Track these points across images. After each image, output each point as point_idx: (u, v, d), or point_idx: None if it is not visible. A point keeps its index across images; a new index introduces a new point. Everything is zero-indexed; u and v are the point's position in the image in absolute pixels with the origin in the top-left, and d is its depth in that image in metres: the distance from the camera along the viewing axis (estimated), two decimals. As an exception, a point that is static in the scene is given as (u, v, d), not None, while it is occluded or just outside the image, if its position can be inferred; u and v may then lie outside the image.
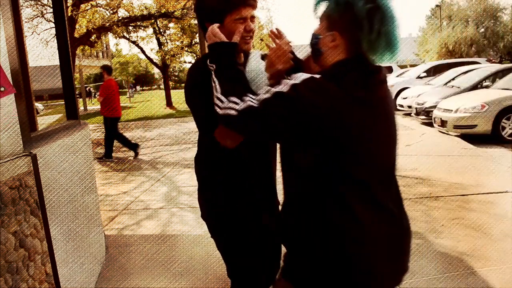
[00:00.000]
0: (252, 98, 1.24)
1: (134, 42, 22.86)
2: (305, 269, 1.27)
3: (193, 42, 23.10)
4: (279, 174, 1.49)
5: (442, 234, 3.59)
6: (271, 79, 1.42)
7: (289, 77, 1.24)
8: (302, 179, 1.27)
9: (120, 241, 3.86)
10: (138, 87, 54.19)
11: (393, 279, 1.32)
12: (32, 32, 9.71)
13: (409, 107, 11.47)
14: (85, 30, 14.40)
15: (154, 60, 24.45)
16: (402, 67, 24.90)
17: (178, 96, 24.11)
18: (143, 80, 58.97)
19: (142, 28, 20.90)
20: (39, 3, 9.90)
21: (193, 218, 4.24)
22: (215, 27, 1.43)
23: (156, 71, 53.21)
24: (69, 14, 12.14)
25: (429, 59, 33.02)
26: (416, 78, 14.46)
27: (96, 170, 6.34)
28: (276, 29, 1.60)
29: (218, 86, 1.33)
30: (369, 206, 1.24)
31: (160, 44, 23.38)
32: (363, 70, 1.23)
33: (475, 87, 9.89)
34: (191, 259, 3.29)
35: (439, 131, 8.76)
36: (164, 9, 15.00)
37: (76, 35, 13.88)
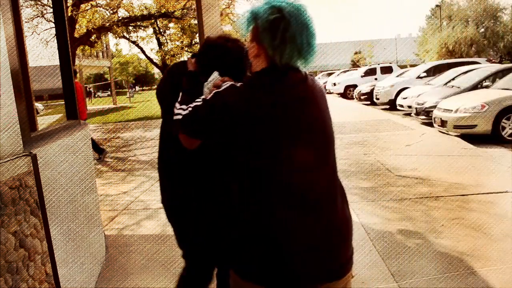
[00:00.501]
0: (191, 106, 1.45)
1: (134, 42, 22.86)
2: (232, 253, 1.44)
3: (193, 42, 23.09)
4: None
5: (442, 234, 3.59)
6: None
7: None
8: (228, 176, 1.46)
9: (120, 241, 3.86)
10: (138, 87, 54.16)
11: (324, 272, 1.39)
12: (32, 32, 9.70)
13: (409, 107, 11.46)
14: (85, 30, 14.40)
15: (154, 60, 24.45)
16: (402, 67, 24.93)
17: (178, 96, 24.04)
18: (143, 80, 58.99)
19: (142, 28, 20.91)
20: (39, 3, 9.91)
21: (193, 218, 4.23)
22: (191, 59, 1.84)
23: (156, 71, 53.23)
24: (69, 14, 12.15)
25: (429, 59, 33.04)
26: (416, 78, 14.45)
27: (96, 170, 6.34)
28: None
29: (179, 99, 1.59)
30: (288, 202, 1.35)
31: (160, 44, 23.38)
32: (274, 76, 1.37)
33: (475, 87, 9.89)
34: (191, 259, 3.29)
35: (439, 131, 8.76)
36: (164, 9, 15.01)
37: (76, 35, 13.88)
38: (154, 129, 13.25)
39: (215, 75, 1.65)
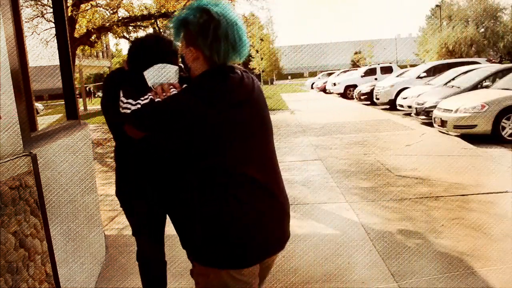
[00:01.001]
0: (139, 103, 1.54)
1: (134, 42, 22.82)
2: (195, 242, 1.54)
3: (193, 42, 23.04)
4: None
5: (442, 234, 3.59)
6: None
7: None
8: (187, 172, 1.54)
9: (120, 241, 3.86)
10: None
11: (277, 245, 1.59)
12: (32, 32, 9.70)
13: (409, 107, 11.46)
14: (85, 30, 14.39)
15: (154, 60, 24.38)
16: (402, 67, 24.94)
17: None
18: (143, 80, 58.84)
19: (142, 28, 20.85)
20: (39, 3, 9.90)
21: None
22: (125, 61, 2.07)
23: (156, 71, 53.11)
24: (69, 14, 12.14)
25: (429, 59, 33.05)
26: (416, 78, 14.45)
27: (96, 170, 6.32)
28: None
29: (122, 93, 1.66)
30: (245, 187, 1.49)
31: (160, 44, 23.31)
32: (217, 79, 1.47)
33: (475, 87, 9.88)
34: (191, 259, 3.29)
35: (439, 131, 8.76)
36: (164, 9, 15.00)
37: (76, 35, 13.87)
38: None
39: (160, 66, 1.73)
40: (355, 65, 52.97)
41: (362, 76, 21.78)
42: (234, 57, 1.49)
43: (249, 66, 50.92)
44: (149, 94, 1.58)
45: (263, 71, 50.11)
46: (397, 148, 7.42)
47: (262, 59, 48.55)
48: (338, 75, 27.27)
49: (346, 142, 8.24)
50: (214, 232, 1.48)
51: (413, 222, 3.90)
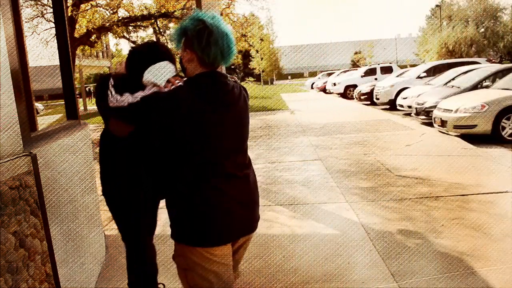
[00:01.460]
0: (136, 97, 1.71)
1: (134, 42, 22.81)
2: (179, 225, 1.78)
3: (193, 42, 23.05)
4: None
5: (442, 234, 3.59)
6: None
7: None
8: (169, 164, 1.75)
9: (120, 241, 3.84)
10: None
11: (246, 226, 1.83)
12: (32, 32, 9.70)
13: (409, 107, 11.46)
14: (85, 30, 14.39)
15: (154, 60, 24.39)
16: (402, 67, 24.94)
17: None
18: (143, 80, 58.80)
19: (142, 28, 20.88)
20: (39, 3, 9.90)
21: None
22: (123, 63, 2.19)
23: (156, 71, 53.09)
24: (69, 14, 12.14)
25: (429, 59, 33.05)
26: (416, 78, 14.45)
27: (96, 170, 6.32)
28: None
29: (112, 89, 1.82)
30: (221, 176, 1.74)
31: (160, 44, 23.33)
32: (210, 83, 1.72)
33: (475, 87, 9.88)
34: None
35: (439, 131, 8.76)
36: (164, 9, 15.00)
37: (76, 35, 13.88)
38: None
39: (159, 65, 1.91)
40: (355, 65, 52.98)
41: (362, 76, 21.77)
42: (222, 61, 1.75)
43: (249, 66, 50.93)
44: (152, 88, 1.75)
45: (263, 71, 50.12)
46: (397, 148, 7.42)
47: (262, 59, 48.56)
48: (338, 75, 27.26)
49: (346, 142, 8.25)
50: (187, 212, 1.72)
51: (413, 222, 3.90)
